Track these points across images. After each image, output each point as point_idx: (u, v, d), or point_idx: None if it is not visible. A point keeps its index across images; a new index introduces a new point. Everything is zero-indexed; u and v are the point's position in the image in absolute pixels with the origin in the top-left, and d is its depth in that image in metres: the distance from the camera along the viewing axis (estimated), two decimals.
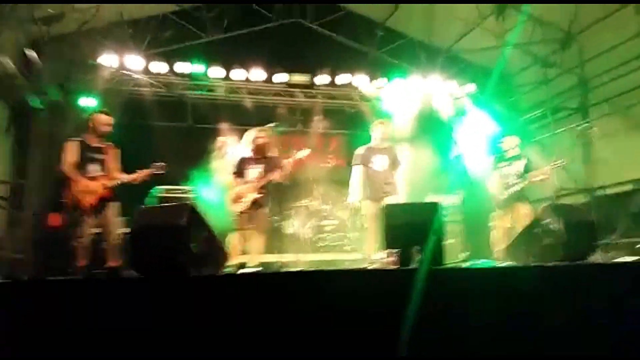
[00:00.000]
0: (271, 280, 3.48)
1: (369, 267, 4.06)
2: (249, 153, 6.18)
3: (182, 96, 9.25)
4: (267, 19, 9.83)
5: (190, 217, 3.91)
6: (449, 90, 10.11)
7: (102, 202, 5.24)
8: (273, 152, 6.31)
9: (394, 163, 6.23)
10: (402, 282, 3.43)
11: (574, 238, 4.39)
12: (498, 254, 6.04)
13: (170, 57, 8.92)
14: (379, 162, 6.16)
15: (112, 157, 5.48)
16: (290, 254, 6.99)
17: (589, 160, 8.72)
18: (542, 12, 8.91)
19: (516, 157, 6.55)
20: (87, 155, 5.29)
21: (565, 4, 8.39)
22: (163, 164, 5.59)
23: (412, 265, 3.80)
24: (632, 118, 7.94)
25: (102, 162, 5.37)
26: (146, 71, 8.77)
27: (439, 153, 8.45)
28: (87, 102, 8.16)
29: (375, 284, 3.45)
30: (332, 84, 9.62)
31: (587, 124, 8.45)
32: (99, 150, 5.39)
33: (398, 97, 9.70)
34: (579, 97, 9.19)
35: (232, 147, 6.93)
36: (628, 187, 7.68)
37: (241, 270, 5.04)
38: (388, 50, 10.37)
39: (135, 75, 8.72)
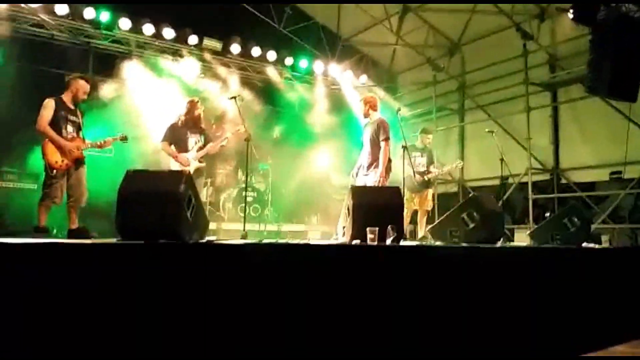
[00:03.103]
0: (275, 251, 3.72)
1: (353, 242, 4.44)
2: (181, 120, 6.08)
3: (84, 44, 8.41)
4: None
5: (186, 184, 3.93)
6: (348, 78, 10.82)
7: (76, 163, 5.17)
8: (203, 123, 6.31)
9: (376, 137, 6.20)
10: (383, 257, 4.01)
11: (490, 224, 5.39)
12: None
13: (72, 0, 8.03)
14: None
15: (82, 121, 5.40)
16: (212, 223, 7.08)
17: (463, 156, 10.21)
18: (437, 21, 10.07)
19: (427, 149, 7.56)
20: (65, 116, 5.16)
21: (459, 17, 9.63)
22: (125, 135, 5.61)
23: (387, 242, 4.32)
24: (502, 124, 9.47)
25: (77, 125, 5.30)
26: (45, 11, 7.78)
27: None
28: None
29: (368, 258, 3.95)
30: (242, 54, 9.58)
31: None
32: (74, 112, 5.30)
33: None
34: (458, 101, 10.62)
35: None
36: (494, 182, 9.17)
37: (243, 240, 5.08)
38: (294, 30, 10.62)
39: (33, 15, 7.70)
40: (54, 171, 4.98)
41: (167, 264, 3.11)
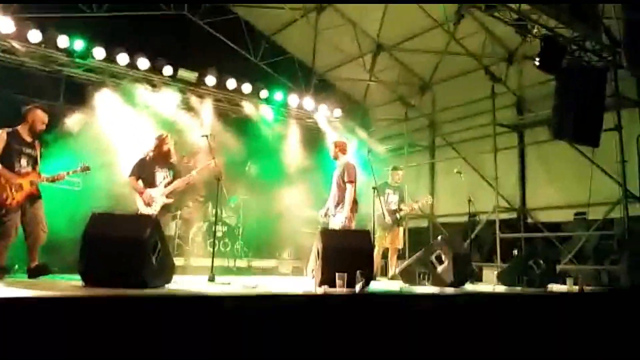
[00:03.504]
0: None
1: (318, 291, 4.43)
2: (150, 156, 6.03)
3: (56, 72, 8.30)
4: (154, 6, 9.38)
5: (152, 229, 3.89)
6: (322, 112, 10.92)
7: (30, 199, 4.93)
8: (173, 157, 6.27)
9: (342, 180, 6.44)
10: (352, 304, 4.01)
11: (457, 267, 5.46)
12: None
13: (45, 28, 7.93)
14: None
15: (40, 154, 5.18)
16: (180, 258, 6.97)
17: (434, 193, 10.37)
18: (409, 60, 10.33)
19: (399, 187, 7.68)
20: (19, 149, 4.95)
21: (429, 58, 9.90)
22: (88, 166, 5.47)
23: (357, 288, 4.31)
24: (471, 162, 9.68)
25: (33, 158, 5.08)
26: (18, 37, 7.67)
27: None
28: None
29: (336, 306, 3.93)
30: (217, 86, 9.59)
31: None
32: (30, 145, 5.08)
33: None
34: (428, 137, 10.84)
35: None
36: (463, 219, 9.30)
37: (211, 283, 4.96)
38: (270, 63, 10.73)
39: (3, 41, 7.59)
40: (3, 209, 4.75)
41: (126, 317, 3.04)
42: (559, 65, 6.59)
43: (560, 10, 6.59)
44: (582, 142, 7.30)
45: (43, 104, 5.60)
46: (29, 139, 5.08)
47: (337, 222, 6.27)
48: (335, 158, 6.61)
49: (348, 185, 6.24)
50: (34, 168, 5.07)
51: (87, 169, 5.46)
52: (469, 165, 9.71)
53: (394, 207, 7.48)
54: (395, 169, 7.88)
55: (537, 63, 6.57)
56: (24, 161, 4.97)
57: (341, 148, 6.61)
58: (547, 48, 6.47)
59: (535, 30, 6.83)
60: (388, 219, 7.19)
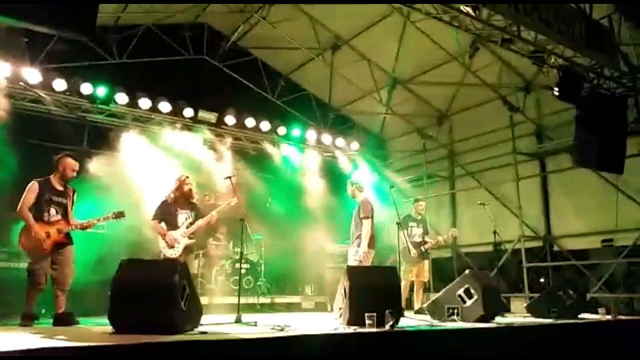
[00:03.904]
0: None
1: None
2: (171, 197, 6.10)
3: (80, 118, 8.55)
4: (174, 51, 9.68)
5: (181, 274, 3.91)
6: (340, 145, 11.02)
7: (57, 246, 4.99)
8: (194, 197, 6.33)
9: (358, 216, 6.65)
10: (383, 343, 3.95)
11: (488, 301, 5.35)
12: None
13: (69, 76, 8.22)
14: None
15: (71, 201, 5.26)
16: (203, 297, 6.94)
17: (455, 222, 10.28)
18: (425, 92, 10.41)
19: (422, 219, 7.64)
20: (49, 199, 5.05)
21: (445, 90, 9.96)
22: (122, 211, 5.49)
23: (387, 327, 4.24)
24: (493, 192, 9.61)
25: (63, 207, 5.16)
26: (43, 87, 7.96)
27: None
28: None
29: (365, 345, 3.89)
30: (237, 125, 9.77)
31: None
32: (62, 194, 5.18)
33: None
34: (448, 168, 10.82)
35: None
36: (487, 248, 9.17)
37: (237, 325, 4.91)
38: (287, 101, 10.91)
39: (30, 91, 7.87)
40: (32, 257, 4.86)
41: None
42: (578, 94, 6.59)
43: (577, 40, 6.61)
44: (606, 169, 7.23)
45: (67, 149, 5.76)
46: (60, 188, 5.18)
47: (353, 256, 6.43)
48: (354, 196, 6.79)
49: (364, 221, 6.42)
50: (63, 216, 5.14)
51: (121, 215, 5.48)
52: (490, 194, 9.63)
53: (418, 239, 7.43)
54: (416, 200, 7.86)
55: (556, 93, 6.56)
56: (53, 210, 5.05)
57: (357, 186, 6.81)
58: (566, 78, 6.48)
59: (552, 60, 6.85)
60: (414, 253, 7.14)
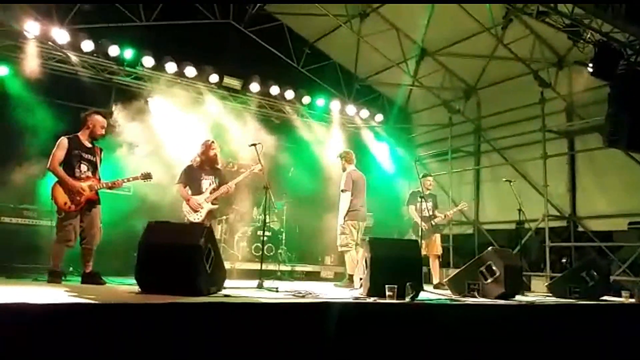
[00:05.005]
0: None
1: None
2: (197, 161, 6.14)
3: (107, 80, 8.59)
4: (201, 14, 9.58)
5: (206, 237, 3.95)
6: (364, 117, 10.91)
7: (88, 204, 5.04)
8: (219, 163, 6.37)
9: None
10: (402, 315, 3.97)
11: (508, 279, 5.32)
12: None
13: (96, 37, 8.23)
14: None
15: (99, 159, 5.28)
16: (225, 262, 7.05)
17: (478, 199, 10.18)
18: (454, 65, 10.17)
19: (431, 194, 7.70)
20: (79, 155, 5.05)
21: (474, 63, 9.72)
22: (150, 173, 5.51)
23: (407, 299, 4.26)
24: (518, 169, 9.47)
25: (92, 164, 5.17)
26: (71, 47, 7.99)
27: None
28: None
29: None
30: (261, 92, 9.72)
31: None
32: (90, 151, 5.18)
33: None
34: (473, 144, 10.64)
35: None
36: (509, 226, 9.09)
37: (260, 290, 4.99)
38: (312, 69, 10.77)
39: (58, 51, 7.92)
40: (63, 213, 4.87)
41: (184, 321, 3.08)
42: (614, 71, 6.36)
43: (616, 14, 6.35)
44: (637, 149, 7.03)
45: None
46: (88, 145, 5.18)
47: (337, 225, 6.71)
48: (343, 169, 6.96)
49: (342, 194, 6.65)
50: (93, 173, 5.15)
51: (148, 176, 5.48)
52: (516, 171, 9.48)
53: (427, 214, 7.45)
54: (424, 176, 7.90)
55: (590, 69, 6.35)
56: (84, 166, 5.05)
57: (347, 159, 6.96)
58: (602, 54, 6.26)
59: (588, 35, 6.61)
60: (423, 226, 7.19)
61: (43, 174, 5.90)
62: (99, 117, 5.21)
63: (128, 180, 5.40)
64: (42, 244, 6.16)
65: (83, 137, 5.17)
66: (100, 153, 5.34)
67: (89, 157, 5.14)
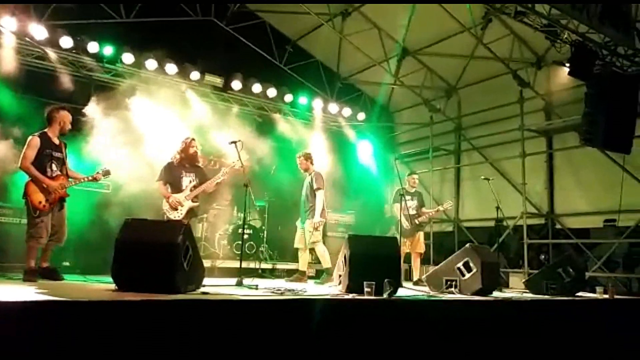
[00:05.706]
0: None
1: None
2: (176, 158, 6.13)
3: (86, 77, 8.48)
4: (182, 11, 9.51)
5: (184, 235, 3.94)
6: (346, 115, 10.95)
7: (60, 202, 5.05)
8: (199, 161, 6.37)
9: (311, 187, 6.82)
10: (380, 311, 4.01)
11: (486, 275, 5.39)
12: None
13: (75, 34, 8.12)
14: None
15: (65, 154, 5.25)
16: (206, 260, 7.03)
17: (459, 197, 10.29)
18: (435, 64, 10.26)
19: (416, 192, 7.71)
20: (50, 155, 5.02)
21: (455, 62, 9.81)
22: (107, 169, 5.48)
23: (385, 296, 4.29)
24: (497, 167, 9.60)
25: (61, 161, 5.14)
26: (50, 44, 7.88)
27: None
28: None
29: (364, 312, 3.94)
30: (243, 90, 9.69)
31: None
32: (58, 148, 5.15)
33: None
34: (454, 142, 10.75)
35: None
36: (489, 224, 9.19)
37: (239, 288, 4.95)
38: (294, 68, 10.76)
39: (36, 47, 7.80)
40: (37, 211, 4.82)
41: (160, 319, 3.07)
42: (590, 71, 6.48)
43: (591, 15, 6.47)
44: (612, 149, 7.17)
45: (71, 107, 5.69)
46: (57, 142, 5.14)
47: (309, 225, 6.65)
48: (307, 170, 6.98)
49: (318, 192, 6.66)
50: (61, 170, 5.12)
51: (107, 173, 5.45)
52: (495, 170, 9.60)
53: (412, 212, 7.52)
54: (410, 174, 7.97)
55: (568, 69, 6.46)
56: (54, 165, 5.03)
57: (312, 160, 7.03)
58: (578, 54, 6.37)
59: (565, 36, 6.71)
60: (406, 225, 7.26)
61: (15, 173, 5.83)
62: (67, 113, 5.20)
63: (88, 179, 5.34)
64: (19, 242, 6.06)
65: (52, 133, 5.11)
66: (65, 149, 5.28)
67: (58, 154, 5.10)
